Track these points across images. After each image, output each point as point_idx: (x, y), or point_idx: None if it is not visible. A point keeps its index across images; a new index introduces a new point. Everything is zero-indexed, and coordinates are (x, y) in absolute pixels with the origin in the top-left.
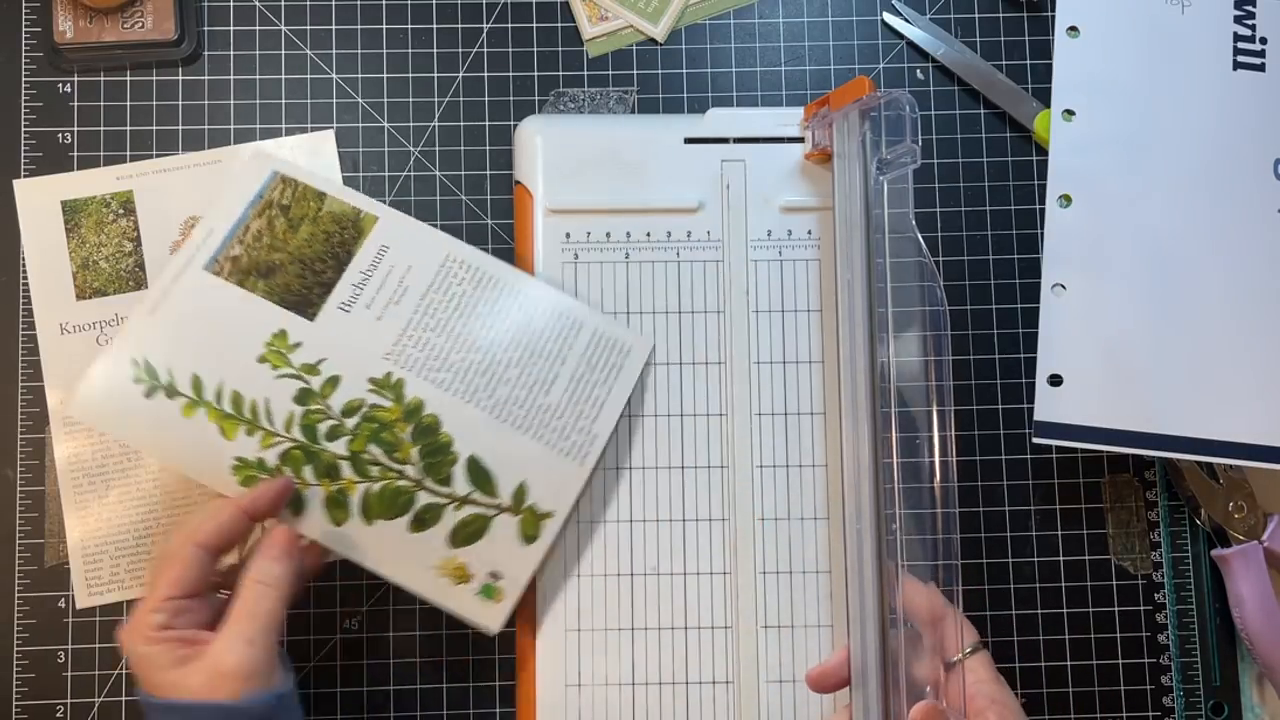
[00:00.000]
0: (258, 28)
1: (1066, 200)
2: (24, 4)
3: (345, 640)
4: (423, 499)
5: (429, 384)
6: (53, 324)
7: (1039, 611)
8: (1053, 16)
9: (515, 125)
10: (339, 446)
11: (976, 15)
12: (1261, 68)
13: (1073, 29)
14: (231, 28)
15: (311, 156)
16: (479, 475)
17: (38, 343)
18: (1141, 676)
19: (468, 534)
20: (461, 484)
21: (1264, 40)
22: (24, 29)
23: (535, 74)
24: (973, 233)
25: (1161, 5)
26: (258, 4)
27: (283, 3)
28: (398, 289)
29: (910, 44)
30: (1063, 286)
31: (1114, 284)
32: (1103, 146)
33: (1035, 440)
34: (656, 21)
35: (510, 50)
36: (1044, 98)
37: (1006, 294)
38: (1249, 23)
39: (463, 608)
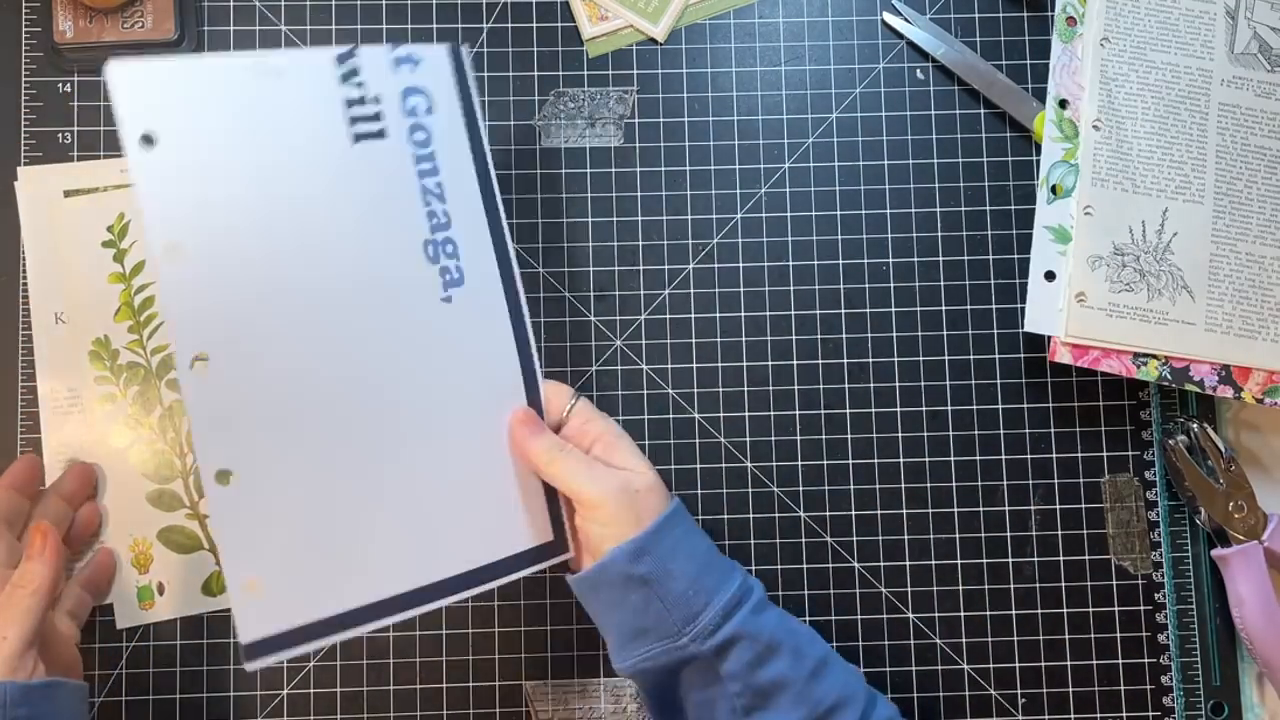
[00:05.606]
0: (258, 28)
1: (204, 359)
2: (24, 4)
3: (345, 640)
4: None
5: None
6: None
7: (1039, 611)
8: (1052, 16)
9: (514, 125)
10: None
11: (976, 15)
12: (382, 134)
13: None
14: (231, 28)
15: None
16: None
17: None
18: (1141, 676)
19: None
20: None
21: (378, 100)
22: (24, 29)
23: (535, 74)
24: (973, 233)
25: (255, 80)
26: (258, 4)
27: (283, 3)
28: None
29: (910, 44)
30: (233, 474)
31: (282, 463)
32: (220, 290)
33: (248, 667)
34: (656, 21)
35: (510, 50)
36: (1044, 97)
37: (1006, 294)
38: (357, 81)
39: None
